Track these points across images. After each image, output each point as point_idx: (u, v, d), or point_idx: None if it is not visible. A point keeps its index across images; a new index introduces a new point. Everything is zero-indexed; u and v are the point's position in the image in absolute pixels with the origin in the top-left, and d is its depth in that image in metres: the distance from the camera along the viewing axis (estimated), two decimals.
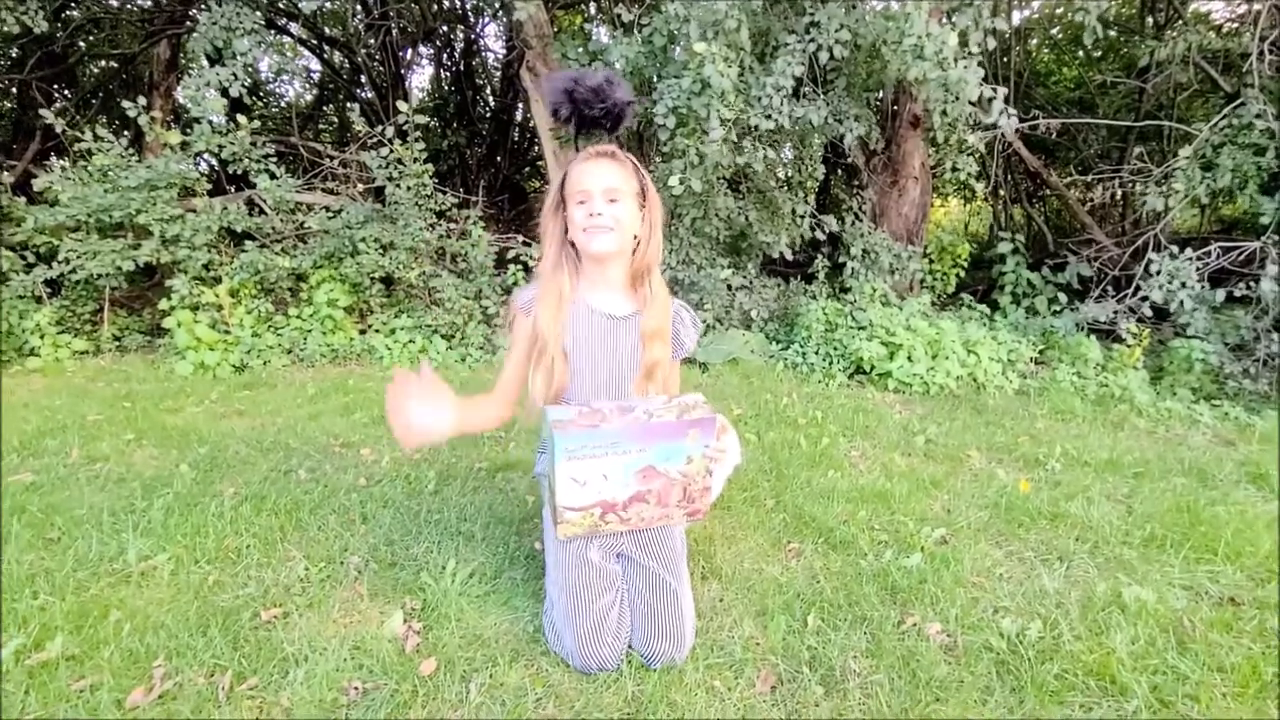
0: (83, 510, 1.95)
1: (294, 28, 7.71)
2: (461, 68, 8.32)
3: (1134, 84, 5.81)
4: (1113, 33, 6.96)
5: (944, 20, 3.11)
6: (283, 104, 8.86)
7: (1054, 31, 7.41)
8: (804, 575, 1.67)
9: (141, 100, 3.78)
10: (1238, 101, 4.12)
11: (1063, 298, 4.38)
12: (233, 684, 1.26)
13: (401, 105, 3.83)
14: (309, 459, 2.42)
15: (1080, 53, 7.60)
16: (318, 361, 4.04)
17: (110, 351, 4.26)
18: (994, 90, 3.03)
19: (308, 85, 9.00)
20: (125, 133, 4.09)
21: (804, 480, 2.26)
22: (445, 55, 8.37)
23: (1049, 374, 3.66)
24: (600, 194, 1.35)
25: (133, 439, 2.63)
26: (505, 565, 1.69)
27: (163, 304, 3.97)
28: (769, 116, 3.26)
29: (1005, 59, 5.89)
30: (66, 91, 6.91)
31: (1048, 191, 6.72)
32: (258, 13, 3.73)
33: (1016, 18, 6.18)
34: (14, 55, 6.09)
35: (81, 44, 6.08)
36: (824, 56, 3.16)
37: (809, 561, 1.75)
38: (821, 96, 3.61)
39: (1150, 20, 6.12)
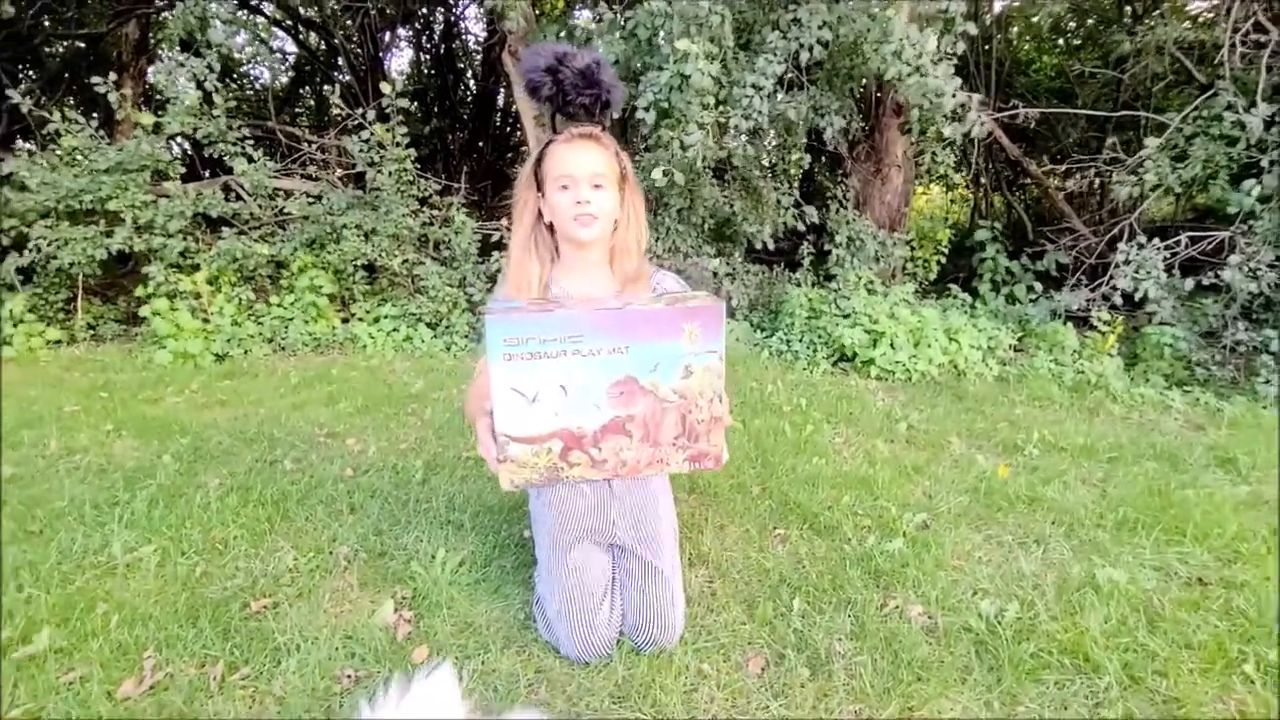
0: (64, 503, 1.93)
1: (268, 8, 7.54)
2: (441, 51, 8.19)
3: (1111, 74, 5.88)
4: (1090, 21, 7.03)
5: (922, 26, 3.12)
6: (258, 86, 8.66)
7: (1034, 19, 7.47)
8: (790, 560, 1.71)
9: (112, 76, 3.67)
10: (1210, 92, 4.19)
11: (1039, 286, 4.46)
12: (225, 674, 1.26)
13: (384, 87, 3.77)
14: (294, 449, 2.41)
15: (1060, 41, 7.68)
16: (300, 350, 4.00)
17: (85, 341, 4.18)
18: (969, 97, 3.06)
19: (284, 68, 8.80)
20: (94, 115, 3.99)
21: (789, 467, 2.30)
22: (424, 38, 8.23)
23: (1028, 361, 3.73)
24: (585, 180, 1.30)
25: (112, 430, 2.59)
26: (495, 553, 1.70)
27: (139, 291, 3.90)
28: (748, 117, 3.25)
29: (986, 47, 5.93)
30: (32, 73, 6.70)
31: (1027, 180, 6.80)
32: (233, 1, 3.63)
33: (998, 5, 6.22)
34: None
35: (46, 23, 5.88)
36: (805, 55, 3.16)
37: (794, 547, 1.78)
38: (803, 91, 3.62)
39: (1128, 9, 6.20)
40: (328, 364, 3.73)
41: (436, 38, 8.15)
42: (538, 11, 5.24)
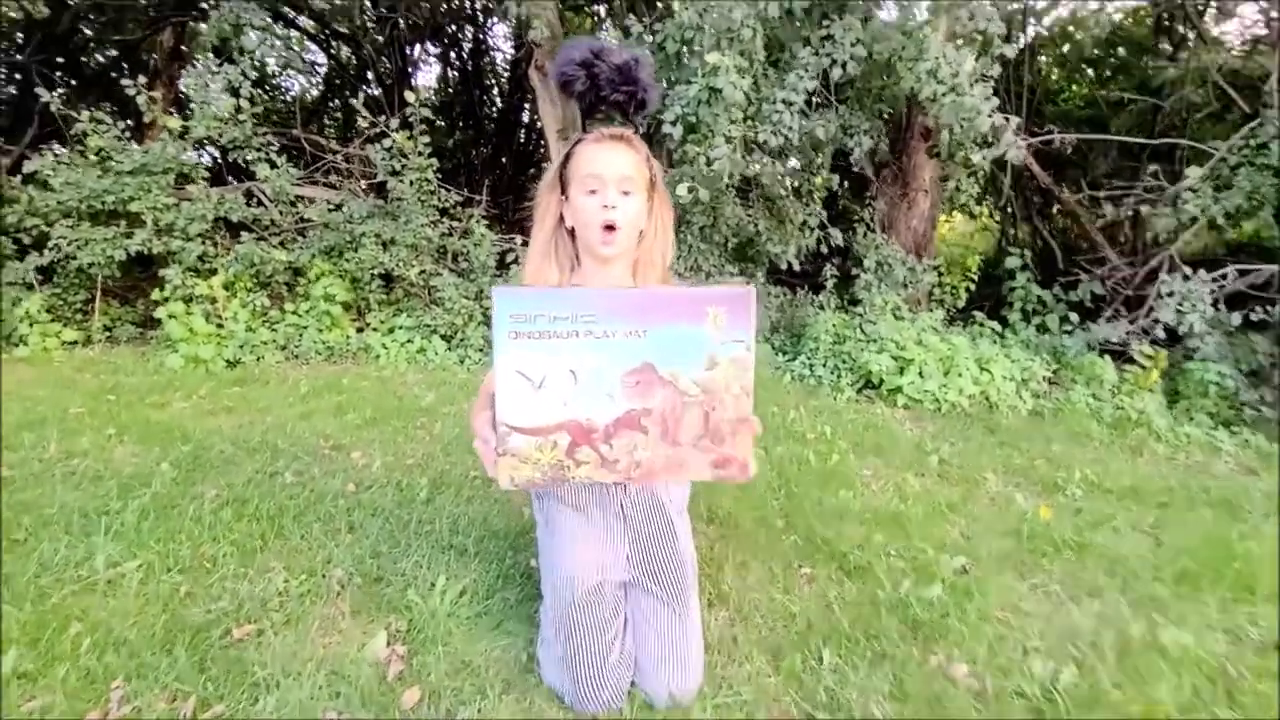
0: (53, 510, 1.84)
1: (302, 20, 7.65)
2: (469, 67, 8.26)
3: (1148, 102, 5.74)
4: (1121, 51, 6.91)
5: (959, 44, 3.03)
6: (288, 98, 8.79)
7: (1064, 49, 7.36)
8: (817, 604, 1.57)
9: (142, 79, 3.67)
10: (1255, 121, 4.04)
11: (1074, 317, 4.29)
12: (196, 711, 1.15)
13: (409, 95, 3.74)
14: (297, 461, 2.31)
15: (1090, 71, 7.56)
16: (313, 359, 3.94)
17: (100, 342, 4.15)
18: (1005, 120, 2.95)
19: (313, 81, 8.93)
20: (127, 120, 4.00)
21: (815, 500, 2.16)
22: (453, 53, 8.31)
23: (1064, 395, 3.56)
24: (614, 183, 1.20)
25: (114, 434, 2.52)
26: (499, 584, 1.58)
27: (155, 294, 3.87)
28: (777, 132, 3.16)
29: (1018, 72, 5.82)
30: (71, 80, 6.82)
31: (1057, 208, 6.64)
32: (266, 8, 3.64)
33: (1032, 30, 6.12)
34: (17, 40, 6.01)
35: (85, 30, 5.99)
36: (837, 72, 3.07)
37: (822, 589, 1.64)
38: (832, 110, 3.53)
39: (1165, 38, 6.07)
40: (339, 373, 3.66)
41: (465, 53, 8.22)
42: (565, 29, 5.22)
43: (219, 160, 4.92)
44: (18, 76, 6.39)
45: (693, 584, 1.36)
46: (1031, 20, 6.02)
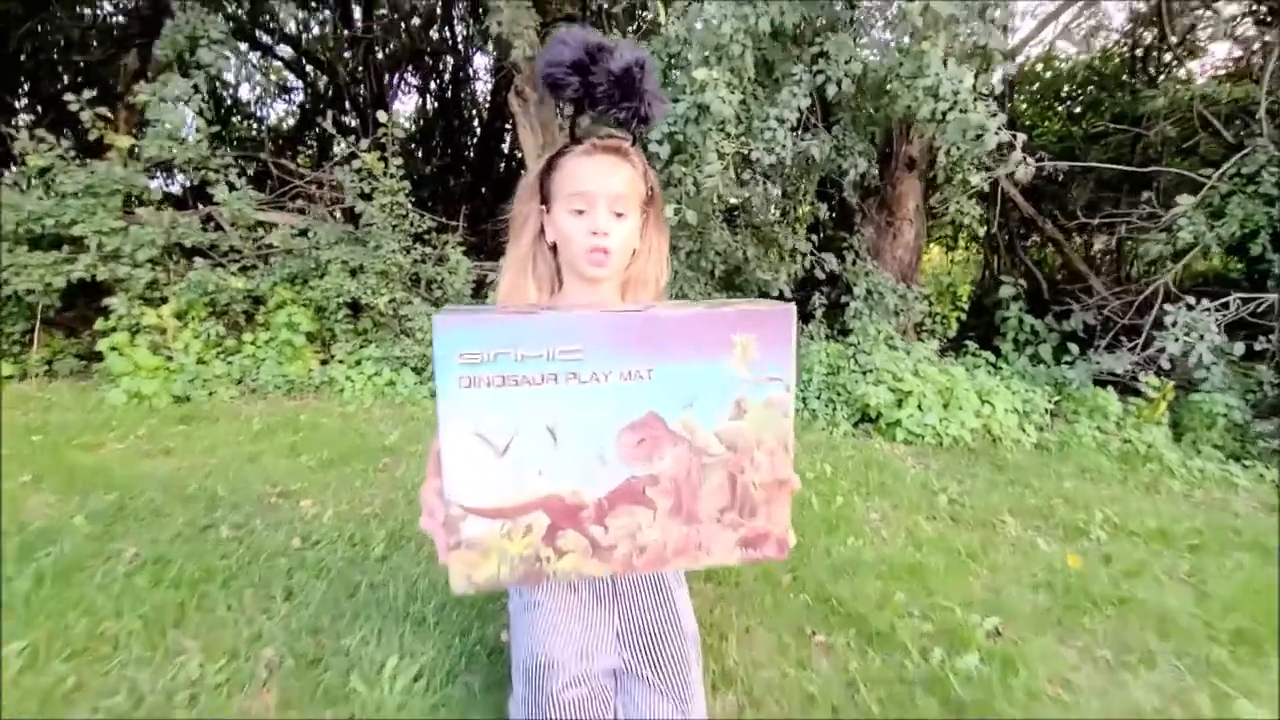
0: None
1: (281, 49, 7.53)
2: (449, 94, 8.16)
3: (1129, 133, 5.78)
4: (1090, 87, 7.04)
5: (959, 61, 2.94)
6: (264, 127, 8.62)
7: (1033, 88, 7.49)
8: (839, 681, 1.34)
9: (88, 93, 3.43)
10: (1244, 151, 4.02)
11: (1074, 347, 4.18)
12: None
13: (380, 115, 3.55)
14: (236, 511, 2.04)
15: (1060, 108, 7.68)
16: (271, 393, 3.65)
17: (37, 376, 3.83)
18: (1013, 136, 2.84)
19: (290, 112, 8.78)
20: (78, 144, 3.74)
21: (823, 550, 1.94)
22: (432, 81, 8.22)
23: (1068, 428, 3.40)
24: (605, 203, 1.00)
25: (30, 481, 2.23)
26: (461, 663, 1.33)
27: (99, 325, 3.58)
28: (770, 150, 3.03)
29: (1001, 105, 5.85)
30: (36, 107, 6.55)
31: (1040, 239, 6.64)
32: (222, 20, 3.45)
33: (1017, 61, 6.18)
34: None
35: (44, 53, 5.76)
36: (831, 89, 2.96)
37: (842, 660, 1.41)
38: (824, 131, 3.41)
39: (1139, 72, 6.17)
40: (298, 409, 3.38)
41: (444, 81, 8.13)
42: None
43: (185, 187, 4.68)
44: None
45: (696, 667, 1.12)
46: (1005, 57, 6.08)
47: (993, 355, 4.52)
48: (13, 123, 3.36)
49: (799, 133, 3.17)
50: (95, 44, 5.74)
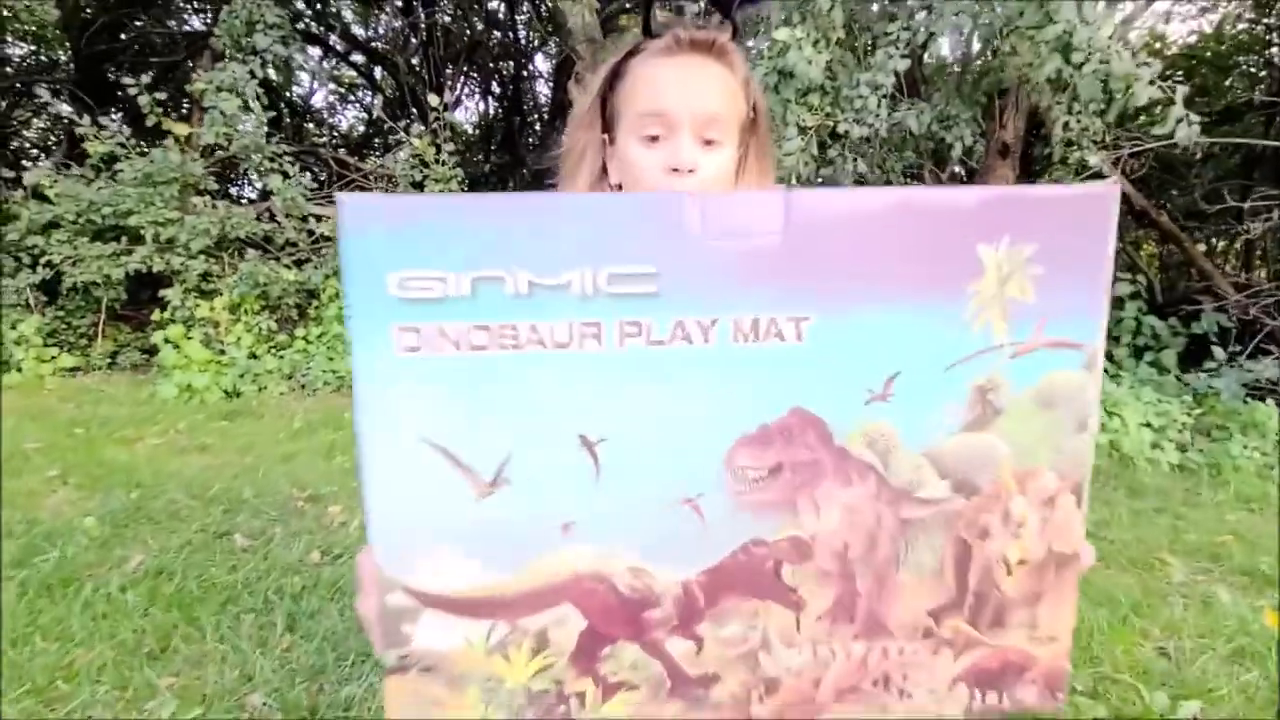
0: None
1: (355, 57, 7.66)
2: (510, 92, 8.10)
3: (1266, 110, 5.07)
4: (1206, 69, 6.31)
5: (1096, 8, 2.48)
6: (334, 134, 8.82)
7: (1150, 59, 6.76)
8: None
9: (145, 78, 3.38)
10: None
11: (1218, 352, 3.58)
12: None
13: (431, 99, 3.37)
14: (258, 517, 1.83)
15: (1182, 83, 6.91)
16: (320, 389, 3.52)
17: (101, 369, 3.84)
18: (1170, 90, 2.37)
19: (359, 118, 8.95)
20: (158, 142, 3.74)
21: None
22: (493, 81, 8.18)
23: (1218, 448, 2.86)
24: (690, 126, 0.68)
25: (57, 476, 2.10)
26: None
27: (155, 317, 3.54)
28: (861, 121, 2.65)
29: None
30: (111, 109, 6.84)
31: (1158, 234, 5.94)
32: (276, 5, 3.36)
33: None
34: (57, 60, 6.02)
35: (120, 55, 5.95)
36: (943, 44, 2.56)
37: None
38: (923, 100, 3.00)
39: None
40: (344, 406, 3.22)
41: (506, 80, 8.08)
42: (611, 30, 4.85)
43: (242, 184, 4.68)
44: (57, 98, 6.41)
45: None
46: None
47: (1107, 361, 3.96)
48: (82, 118, 3.35)
49: (899, 97, 2.78)
50: (172, 47, 5.89)
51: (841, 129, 2.53)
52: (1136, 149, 2.64)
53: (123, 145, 3.35)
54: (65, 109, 3.67)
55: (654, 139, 0.68)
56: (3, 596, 1.33)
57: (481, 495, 0.31)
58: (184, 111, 4.71)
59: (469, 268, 0.30)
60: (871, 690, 0.35)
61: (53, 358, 3.65)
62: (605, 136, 0.73)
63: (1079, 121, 2.79)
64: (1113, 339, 4.31)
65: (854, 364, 0.33)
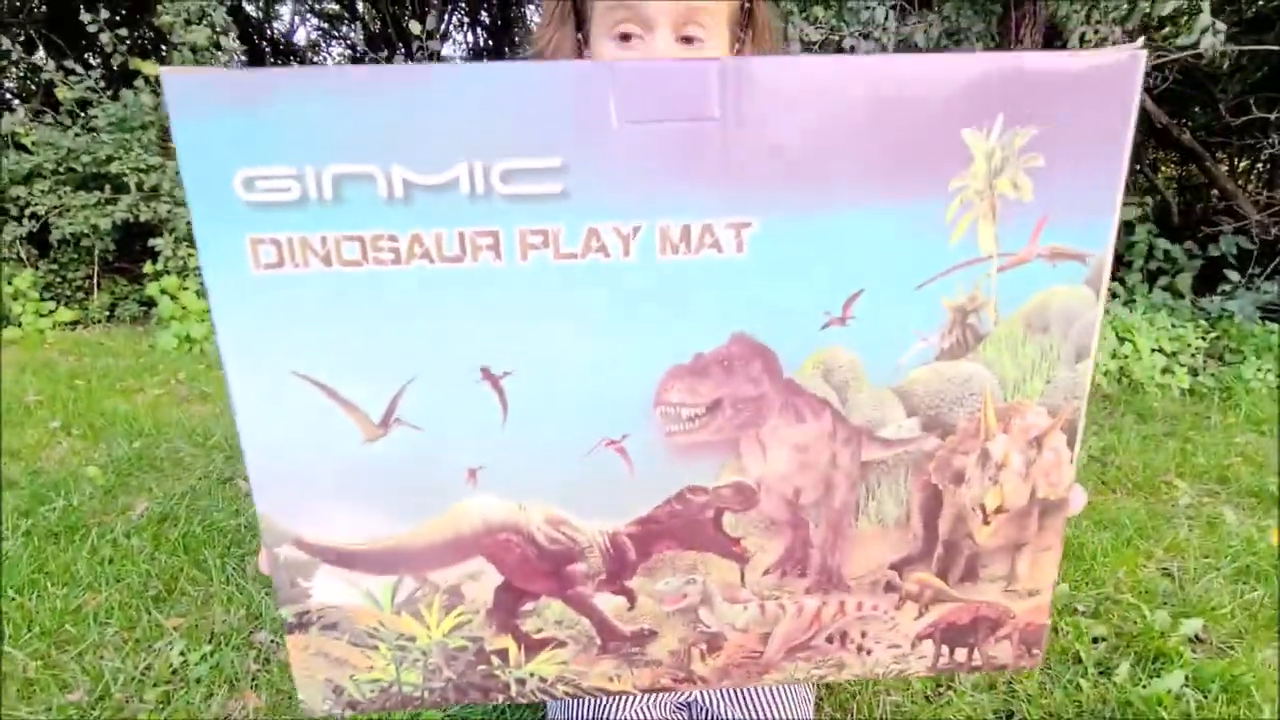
0: None
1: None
2: (499, 23, 7.73)
3: None
4: None
5: None
6: None
7: None
8: (988, 707, 0.98)
9: (105, 13, 3.18)
10: None
11: (1233, 275, 3.49)
12: None
13: (413, 26, 3.19)
14: None
15: None
16: None
17: (100, 322, 3.82)
18: None
19: (343, 56, 8.58)
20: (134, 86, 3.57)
21: None
22: (482, 9, 7.80)
23: (1230, 371, 2.82)
24: (669, 20, 0.61)
25: (59, 428, 2.10)
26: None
27: (147, 268, 3.48)
28: (868, 35, 2.49)
29: None
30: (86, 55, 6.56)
31: (1178, 153, 5.71)
32: None
33: None
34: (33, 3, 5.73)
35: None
36: None
37: (987, 676, 1.05)
38: (932, 11, 2.81)
39: None
40: None
41: (494, 7, 7.71)
42: None
43: None
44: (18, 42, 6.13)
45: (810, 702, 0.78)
46: None
47: (1119, 287, 3.88)
48: (47, 63, 3.19)
49: (909, 8, 2.61)
50: None
51: (847, 44, 2.39)
52: (1159, 60, 2.47)
53: (93, 89, 3.21)
54: (40, 55, 3.48)
55: (625, 38, 0.61)
56: (8, 546, 1.34)
57: (370, 437, 0.27)
58: (161, 51, 4.50)
59: (329, 161, 0.25)
60: (825, 647, 0.33)
61: (50, 311, 3.61)
62: (579, 36, 0.66)
63: (1097, 32, 2.63)
64: (1125, 264, 4.20)
65: (807, 280, 0.27)
